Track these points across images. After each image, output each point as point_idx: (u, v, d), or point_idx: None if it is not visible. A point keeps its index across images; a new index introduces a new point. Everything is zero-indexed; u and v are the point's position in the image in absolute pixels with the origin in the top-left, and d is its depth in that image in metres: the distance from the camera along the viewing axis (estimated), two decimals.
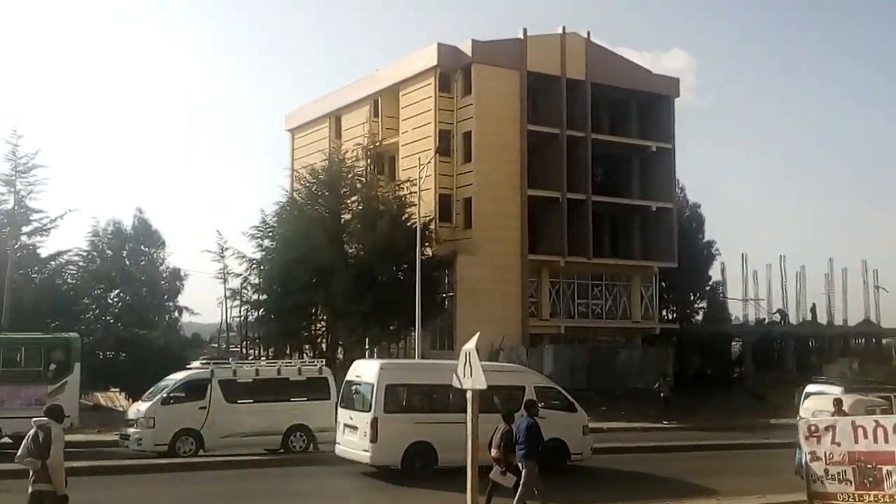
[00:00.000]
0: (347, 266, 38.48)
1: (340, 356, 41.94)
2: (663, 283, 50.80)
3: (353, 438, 19.22)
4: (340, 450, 19.87)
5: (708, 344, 52.84)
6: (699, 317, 57.51)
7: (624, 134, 47.85)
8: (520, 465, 14.85)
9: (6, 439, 23.61)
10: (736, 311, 58.40)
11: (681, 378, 45.93)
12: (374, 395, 18.62)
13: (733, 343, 56.97)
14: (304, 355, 42.78)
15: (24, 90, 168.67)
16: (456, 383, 13.03)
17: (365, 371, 19.93)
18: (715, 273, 57.56)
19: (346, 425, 19.68)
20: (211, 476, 19.89)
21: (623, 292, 47.86)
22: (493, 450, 14.97)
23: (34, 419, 11.46)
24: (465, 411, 13.23)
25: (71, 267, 42.46)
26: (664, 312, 52.72)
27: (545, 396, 19.79)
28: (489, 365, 18.55)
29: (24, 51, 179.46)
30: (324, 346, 42.30)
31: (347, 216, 41.16)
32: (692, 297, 57.27)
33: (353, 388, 19.96)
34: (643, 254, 48.14)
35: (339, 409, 20.60)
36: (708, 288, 57.78)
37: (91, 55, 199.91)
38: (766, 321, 56.79)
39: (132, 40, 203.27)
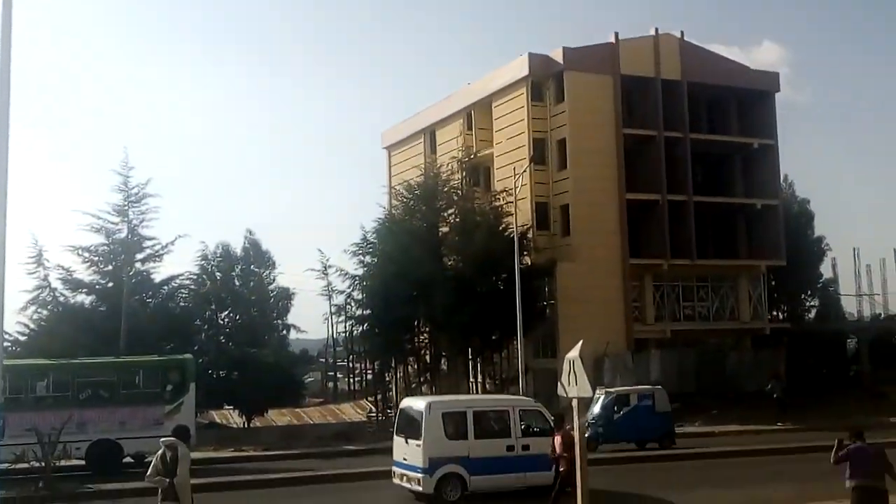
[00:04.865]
0: (446, 278, 38.72)
1: (444, 367, 42.26)
2: (772, 283, 49.39)
3: None
4: None
5: (821, 343, 50.98)
6: (811, 315, 55.74)
7: (724, 132, 46.75)
8: None
9: (128, 458, 24.63)
10: (850, 307, 56.46)
11: (794, 379, 44.46)
12: None
13: (848, 341, 54.92)
14: (409, 367, 43.28)
15: (134, 120, 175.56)
16: (560, 392, 12.95)
17: None
18: (826, 270, 55.82)
19: None
20: None
21: (730, 293, 46.66)
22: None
23: (162, 439, 11.84)
24: None
25: (183, 291, 43.83)
26: (774, 312, 51.25)
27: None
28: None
29: (136, 82, 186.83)
30: (427, 358, 42.66)
31: (445, 229, 41.44)
32: (803, 296, 55.57)
33: None
34: (749, 253, 46.84)
35: None
36: (819, 285, 56.02)
37: (194, 83, 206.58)
38: (882, 317, 54.55)
39: (233, 68, 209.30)
